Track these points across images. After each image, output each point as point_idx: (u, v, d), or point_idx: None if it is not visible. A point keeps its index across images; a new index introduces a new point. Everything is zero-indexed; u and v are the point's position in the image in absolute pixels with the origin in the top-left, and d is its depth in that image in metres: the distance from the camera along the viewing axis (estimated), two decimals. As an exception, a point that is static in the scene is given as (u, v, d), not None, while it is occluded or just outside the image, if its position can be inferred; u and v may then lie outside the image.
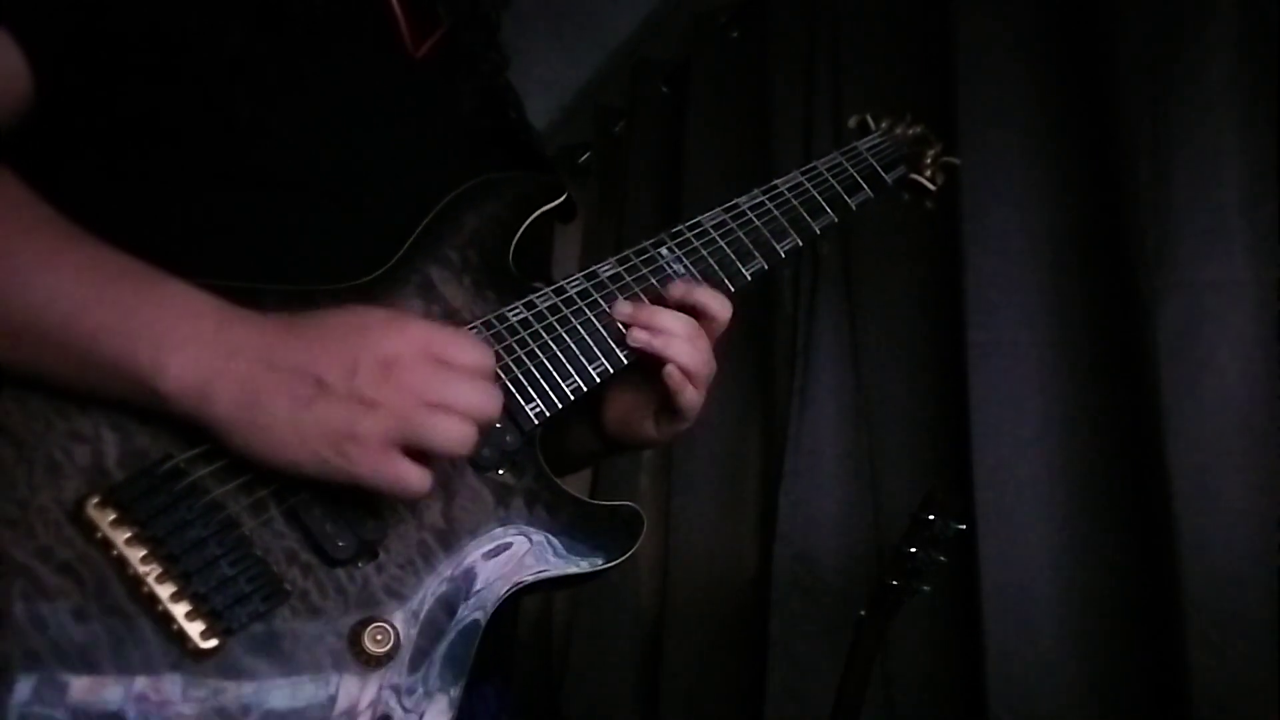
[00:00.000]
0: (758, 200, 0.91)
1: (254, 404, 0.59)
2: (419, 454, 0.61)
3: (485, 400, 0.63)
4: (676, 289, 0.82)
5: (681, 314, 0.81)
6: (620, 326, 0.80)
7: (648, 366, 0.81)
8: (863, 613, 1.36)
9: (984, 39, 1.68)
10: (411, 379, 0.60)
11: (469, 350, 0.64)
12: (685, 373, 0.80)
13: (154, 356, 0.58)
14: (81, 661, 0.56)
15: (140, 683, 0.57)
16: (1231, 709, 1.27)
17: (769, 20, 2.18)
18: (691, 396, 0.81)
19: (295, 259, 0.73)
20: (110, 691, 0.56)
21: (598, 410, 0.88)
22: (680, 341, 0.79)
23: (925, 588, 1.34)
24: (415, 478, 0.61)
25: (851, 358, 1.89)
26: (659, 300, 0.82)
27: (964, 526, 1.37)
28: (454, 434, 0.61)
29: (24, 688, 0.54)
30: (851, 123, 1.10)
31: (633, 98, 2.59)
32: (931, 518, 1.33)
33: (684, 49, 2.44)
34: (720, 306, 0.82)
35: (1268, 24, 1.38)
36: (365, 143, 0.78)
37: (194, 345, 0.59)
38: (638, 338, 0.79)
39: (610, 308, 0.80)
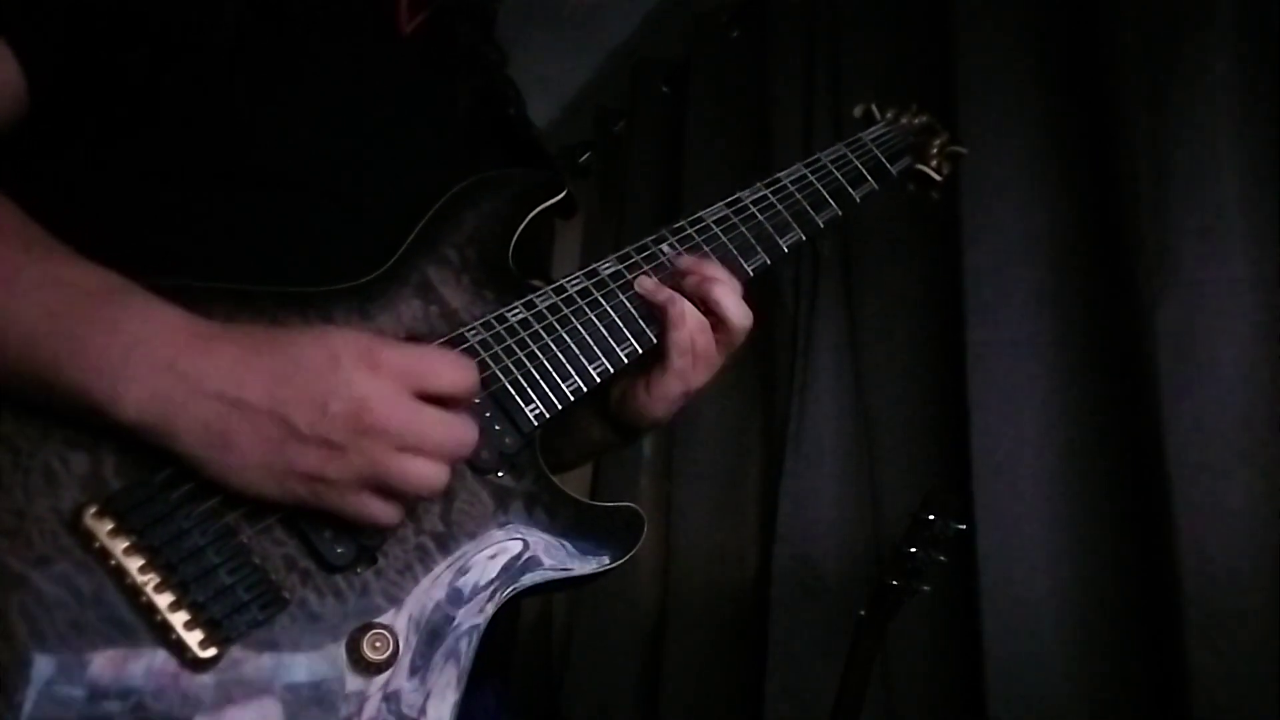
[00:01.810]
0: (760, 193, 0.90)
1: (221, 444, 0.58)
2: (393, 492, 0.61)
3: (458, 438, 0.62)
4: (685, 261, 0.82)
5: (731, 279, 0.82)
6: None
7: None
8: (863, 613, 1.36)
9: (984, 40, 1.68)
10: (383, 423, 0.59)
11: (448, 374, 0.63)
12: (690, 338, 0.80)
13: (109, 390, 0.57)
14: (80, 672, 0.55)
15: (140, 693, 0.56)
16: (1231, 709, 1.27)
17: (769, 20, 2.18)
18: (686, 364, 0.80)
19: (294, 258, 0.72)
20: (109, 702, 0.56)
21: (605, 394, 0.87)
22: (723, 291, 0.80)
23: (925, 588, 1.34)
24: (383, 514, 0.61)
25: (851, 358, 1.89)
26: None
27: (964, 526, 1.37)
28: (425, 477, 0.60)
29: (22, 698, 0.54)
30: (857, 112, 1.09)
31: (633, 98, 2.59)
32: (931, 518, 1.33)
33: (684, 49, 2.43)
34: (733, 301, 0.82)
35: (1268, 24, 1.38)
36: (363, 140, 0.78)
37: (150, 377, 0.57)
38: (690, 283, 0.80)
39: (630, 292, 0.80)
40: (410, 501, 0.63)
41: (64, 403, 0.58)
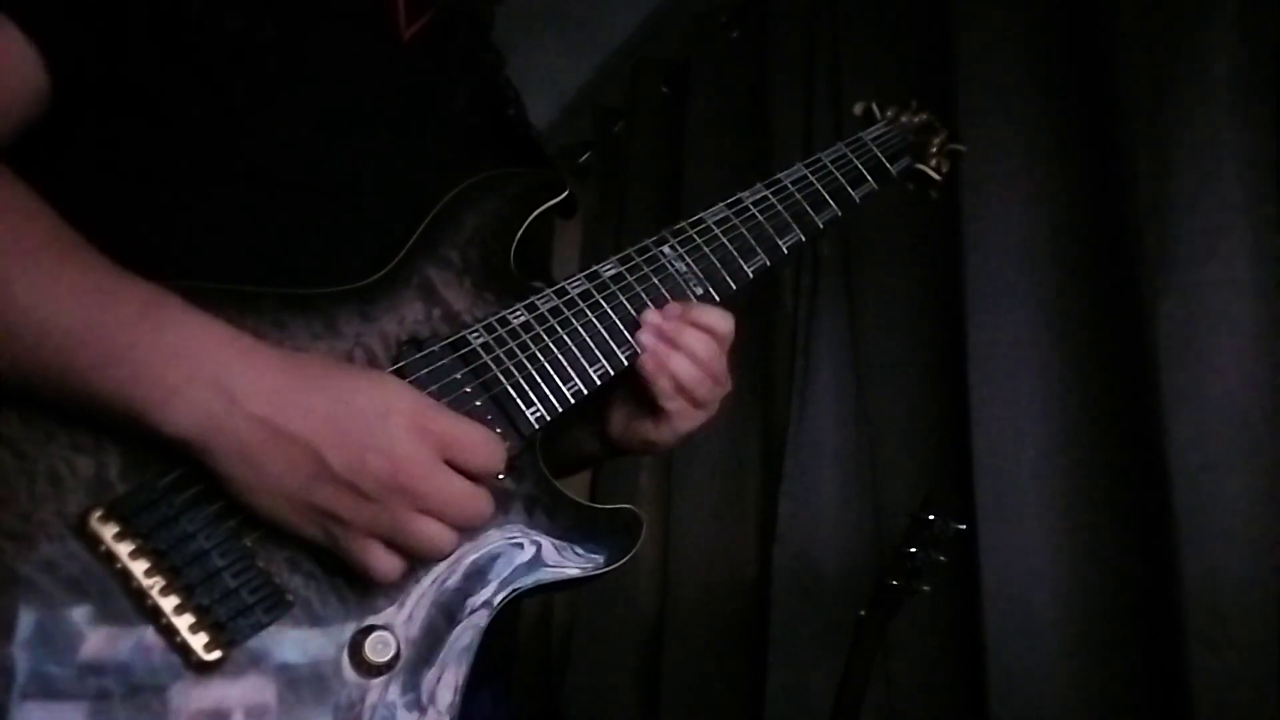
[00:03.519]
0: (760, 194, 0.90)
1: (252, 464, 0.58)
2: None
3: (477, 511, 0.64)
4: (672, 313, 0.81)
5: (704, 337, 0.81)
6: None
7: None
8: (863, 613, 1.36)
9: (984, 41, 1.67)
10: (415, 486, 0.60)
11: (483, 454, 0.64)
12: (679, 386, 0.80)
13: (154, 400, 0.57)
14: (86, 675, 0.56)
15: (145, 696, 0.57)
16: (1231, 709, 1.27)
17: (769, 20, 2.18)
18: (681, 406, 0.82)
19: (296, 259, 0.72)
20: (115, 705, 0.56)
21: (601, 415, 0.88)
22: (680, 358, 0.79)
23: (925, 588, 1.34)
24: (384, 569, 0.62)
25: (851, 358, 1.89)
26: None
27: (964, 526, 1.37)
28: (436, 540, 0.62)
29: (29, 701, 0.54)
30: (857, 110, 1.09)
31: (633, 98, 2.58)
32: (931, 518, 1.33)
33: (684, 49, 2.43)
34: (720, 322, 0.82)
35: (1268, 24, 1.38)
36: (365, 141, 0.78)
37: (193, 388, 0.58)
38: (646, 363, 0.79)
39: (631, 293, 0.80)
40: (413, 560, 0.63)
41: (97, 407, 0.58)
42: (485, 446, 0.65)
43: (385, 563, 0.61)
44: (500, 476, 0.71)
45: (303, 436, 0.59)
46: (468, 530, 0.64)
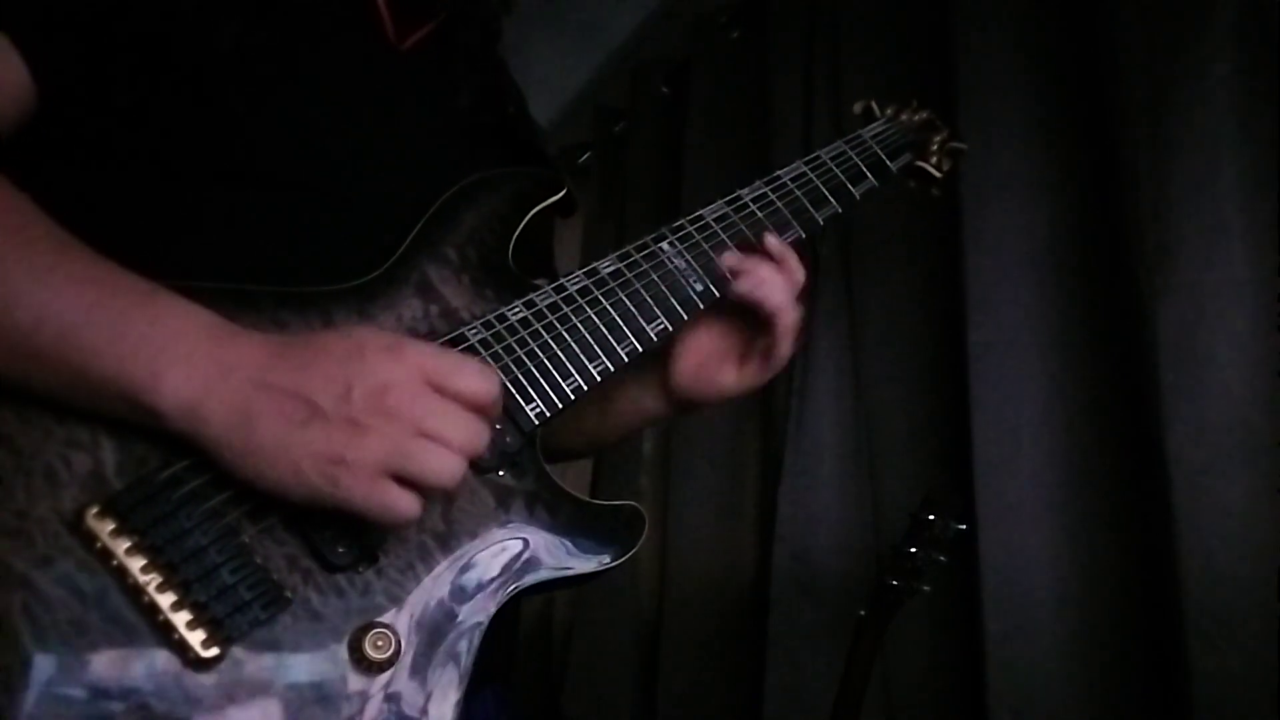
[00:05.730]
0: (760, 191, 0.90)
1: (244, 424, 0.58)
2: (409, 481, 0.60)
3: (479, 435, 0.62)
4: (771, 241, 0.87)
5: (782, 266, 0.86)
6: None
7: (734, 314, 0.86)
8: (863, 612, 1.36)
9: (984, 42, 1.68)
10: (405, 407, 0.59)
11: (470, 378, 0.63)
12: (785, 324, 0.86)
13: (147, 375, 0.58)
14: (82, 672, 0.56)
15: (142, 693, 0.57)
16: (1231, 709, 1.27)
17: (769, 20, 2.18)
18: (788, 347, 0.87)
19: (293, 259, 0.72)
20: (111, 702, 0.56)
21: (666, 364, 0.90)
22: (781, 291, 0.85)
23: (925, 588, 1.34)
24: (405, 504, 0.60)
25: (851, 358, 1.88)
26: (751, 247, 0.87)
27: (964, 526, 1.37)
28: (444, 466, 0.60)
29: (25, 698, 0.54)
30: (857, 109, 1.09)
31: (633, 98, 2.59)
32: (931, 518, 1.33)
33: (684, 49, 2.43)
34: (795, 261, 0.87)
35: (1268, 24, 1.38)
36: (361, 140, 0.78)
37: (187, 364, 0.58)
38: (741, 287, 0.84)
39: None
40: (425, 493, 0.62)
41: (94, 392, 0.58)
42: (471, 371, 0.63)
43: (403, 498, 0.59)
44: (500, 473, 0.72)
45: (290, 385, 0.59)
46: (470, 457, 0.62)
